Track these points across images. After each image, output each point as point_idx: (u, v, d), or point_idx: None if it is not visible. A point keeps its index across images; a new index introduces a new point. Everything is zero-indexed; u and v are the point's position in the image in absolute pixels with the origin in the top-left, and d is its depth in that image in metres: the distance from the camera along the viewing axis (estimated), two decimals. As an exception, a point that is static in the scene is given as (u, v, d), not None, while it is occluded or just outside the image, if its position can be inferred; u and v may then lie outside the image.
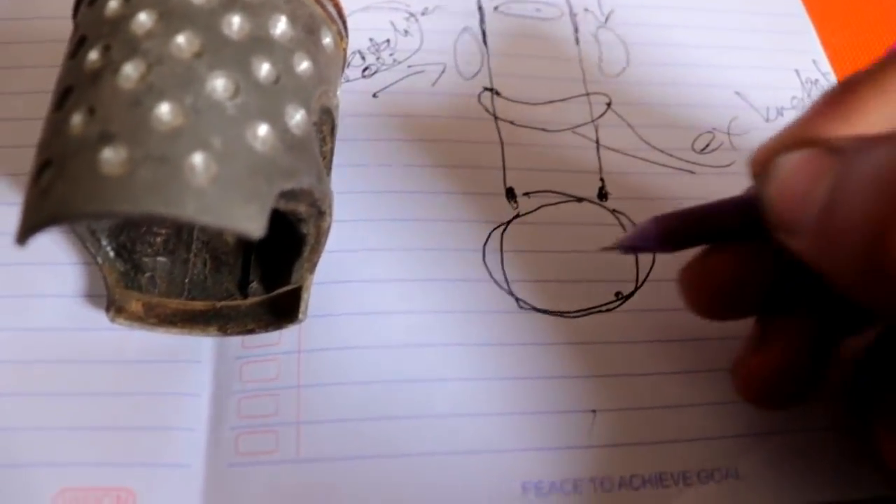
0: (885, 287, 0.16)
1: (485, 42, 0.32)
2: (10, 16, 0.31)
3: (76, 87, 0.20)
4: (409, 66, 0.31)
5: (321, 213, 0.23)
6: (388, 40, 0.31)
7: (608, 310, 0.26)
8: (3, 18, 0.31)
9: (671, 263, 0.27)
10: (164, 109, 0.19)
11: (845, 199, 0.17)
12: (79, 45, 0.21)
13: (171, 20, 0.21)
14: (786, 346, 0.22)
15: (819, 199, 0.18)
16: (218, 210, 0.18)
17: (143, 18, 0.21)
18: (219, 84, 0.20)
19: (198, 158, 0.19)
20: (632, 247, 0.23)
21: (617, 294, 0.27)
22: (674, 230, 0.22)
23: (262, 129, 0.20)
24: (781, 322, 0.22)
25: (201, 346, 0.25)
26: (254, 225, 0.19)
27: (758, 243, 0.20)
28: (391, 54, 0.31)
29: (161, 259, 0.26)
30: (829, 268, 0.18)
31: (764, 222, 0.19)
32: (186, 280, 0.26)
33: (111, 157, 0.19)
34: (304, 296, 0.24)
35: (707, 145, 0.30)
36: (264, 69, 0.21)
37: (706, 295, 0.23)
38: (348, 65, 0.30)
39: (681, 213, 0.22)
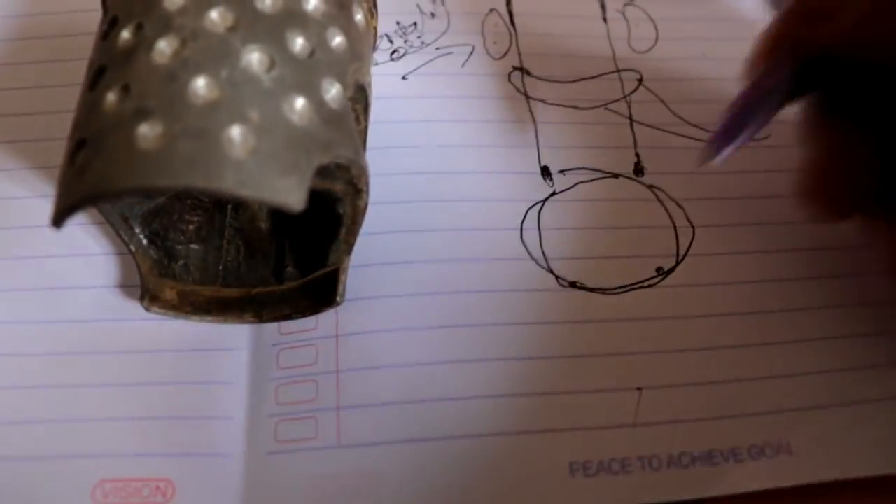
0: None
1: (512, 22, 0.32)
2: (36, 11, 0.31)
3: (109, 66, 0.20)
4: (437, 49, 0.31)
5: (358, 190, 0.22)
6: (415, 23, 0.31)
7: (650, 286, 0.26)
8: (26, 14, 0.31)
9: (711, 238, 0.27)
10: (201, 83, 0.19)
11: None
12: (111, 26, 0.21)
13: (203, -4, 0.20)
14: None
15: None
16: (257, 182, 0.18)
17: (175, -5, 0.20)
18: (254, 58, 0.20)
19: (235, 131, 0.18)
20: (717, 147, 0.23)
21: (658, 269, 0.26)
22: (737, 119, 0.23)
23: (299, 102, 0.20)
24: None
25: (237, 334, 0.25)
26: (294, 197, 0.18)
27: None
28: (419, 37, 0.31)
29: (194, 247, 0.25)
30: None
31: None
32: (220, 267, 0.25)
33: (148, 132, 0.18)
34: (342, 278, 0.24)
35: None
36: (299, 43, 0.21)
37: (834, 183, 0.23)
38: (376, 48, 0.30)
39: (736, 102, 0.24)
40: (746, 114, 0.23)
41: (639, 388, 0.24)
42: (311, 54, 0.21)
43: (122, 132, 0.19)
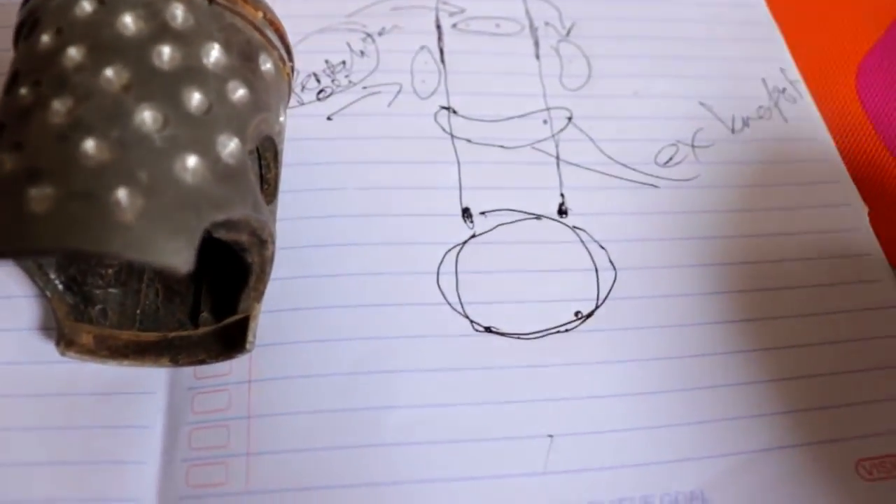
0: None
1: (442, 60, 0.32)
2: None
3: (7, 123, 0.20)
4: (365, 88, 0.31)
5: (263, 241, 0.22)
6: (343, 62, 0.31)
7: (567, 330, 0.26)
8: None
9: (633, 281, 0.27)
10: (90, 144, 0.19)
11: None
12: (12, 80, 0.21)
13: (100, 53, 0.20)
14: None
15: None
16: (143, 245, 0.18)
17: (73, 53, 0.20)
18: (147, 116, 0.20)
19: (123, 193, 0.18)
20: None
21: (577, 313, 0.26)
22: None
23: (192, 161, 0.20)
24: None
25: (155, 377, 0.25)
26: (180, 259, 0.19)
27: None
28: (347, 76, 0.31)
29: (112, 290, 0.26)
30: None
31: None
32: (138, 311, 0.26)
33: (38, 193, 0.18)
34: (252, 325, 0.24)
35: (670, 158, 0.30)
36: (195, 99, 0.21)
37: None
38: (303, 88, 0.30)
39: None
40: None
41: (550, 436, 0.24)
42: (208, 110, 0.21)
43: (14, 192, 0.19)
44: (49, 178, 0.19)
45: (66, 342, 0.24)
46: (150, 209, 0.19)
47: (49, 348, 0.25)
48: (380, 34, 0.32)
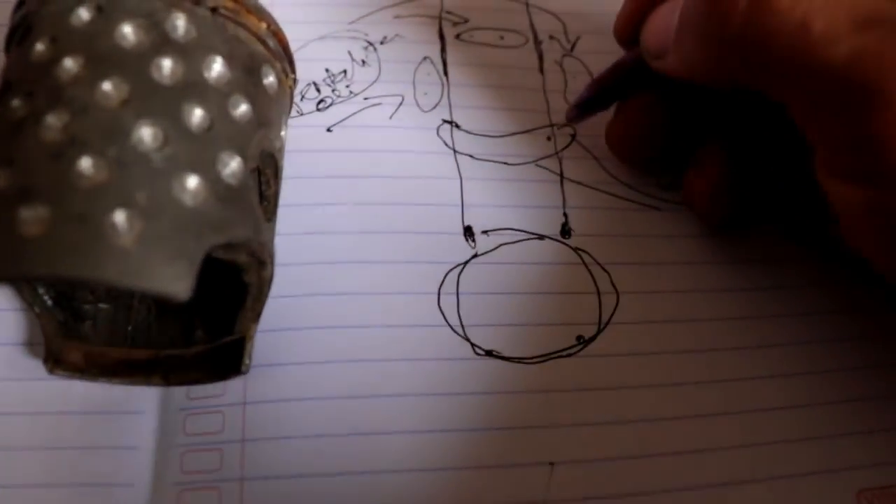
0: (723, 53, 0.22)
1: (445, 72, 0.31)
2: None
3: (-2, 137, 0.19)
4: (366, 99, 0.30)
5: (262, 262, 0.22)
6: (344, 71, 0.30)
7: (569, 355, 0.25)
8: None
9: (636, 305, 0.26)
10: (86, 163, 0.18)
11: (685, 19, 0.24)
12: (4, 90, 0.20)
13: (97, 65, 0.19)
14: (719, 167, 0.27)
15: (672, 25, 0.24)
16: (141, 272, 0.17)
17: (69, 64, 0.20)
18: (146, 134, 0.19)
19: (120, 216, 0.18)
20: (577, 115, 0.29)
21: (578, 338, 0.26)
22: (591, 97, 0.28)
23: (192, 181, 0.19)
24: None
25: (146, 396, 0.24)
26: (179, 286, 0.18)
27: (653, 97, 0.27)
28: (347, 86, 0.30)
29: (103, 306, 0.25)
30: (687, 66, 0.24)
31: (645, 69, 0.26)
32: (129, 327, 0.25)
33: (29, 215, 0.18)
34: (248, 346, 0.23)
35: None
36: (196, 115, 0.20)
37: (624, 139, 0.28)
38: (302, 97, 0.29)
39: (592, 83, 0.29)
40: (603, 91, 0.28)
41: (551, 463, 0.23)
42: (210, 128, 0.20)
43: (3, 214, 0.18)
44: (41, 199, 0.18)
45: (53, 360, 0.24)
46: (148, 233, 0.18)
47: (36, 364, 0.24)
48: (381, 43, 0.31)
